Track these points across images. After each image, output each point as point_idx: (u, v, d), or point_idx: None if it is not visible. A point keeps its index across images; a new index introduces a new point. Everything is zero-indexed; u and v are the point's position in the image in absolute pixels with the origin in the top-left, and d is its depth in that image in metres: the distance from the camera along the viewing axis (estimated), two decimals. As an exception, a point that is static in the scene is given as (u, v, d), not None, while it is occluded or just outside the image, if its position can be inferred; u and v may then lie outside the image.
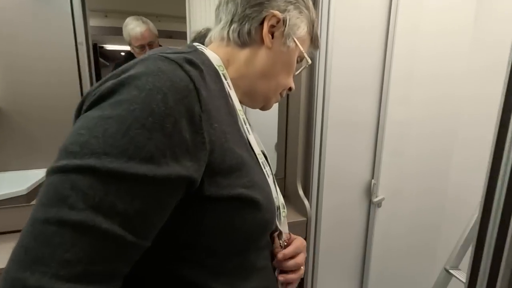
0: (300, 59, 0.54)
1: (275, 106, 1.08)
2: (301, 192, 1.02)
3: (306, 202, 0.99)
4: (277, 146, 1.15)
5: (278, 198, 0.49)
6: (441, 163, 1.35)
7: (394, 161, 1.24)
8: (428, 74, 1.18)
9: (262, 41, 0.47)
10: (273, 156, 1.16)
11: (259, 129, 0.66)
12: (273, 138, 1.18)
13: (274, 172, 0.54)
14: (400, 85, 1.13)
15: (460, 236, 1.04)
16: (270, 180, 0.48)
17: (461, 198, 1.35)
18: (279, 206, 0.49)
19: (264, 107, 0.55)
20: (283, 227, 0.51)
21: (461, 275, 1.01)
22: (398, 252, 1.41)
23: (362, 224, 1.24)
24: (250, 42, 0.47)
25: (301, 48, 0.50)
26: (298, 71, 0.58)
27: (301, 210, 1.02)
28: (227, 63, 0.47)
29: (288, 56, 0.50)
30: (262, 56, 0.48)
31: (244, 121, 0.47)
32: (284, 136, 1.11)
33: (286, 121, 1.09)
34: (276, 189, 0.52)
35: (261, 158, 0.48)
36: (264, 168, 0.48)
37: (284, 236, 0.52)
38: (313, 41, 0.54)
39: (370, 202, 1.22)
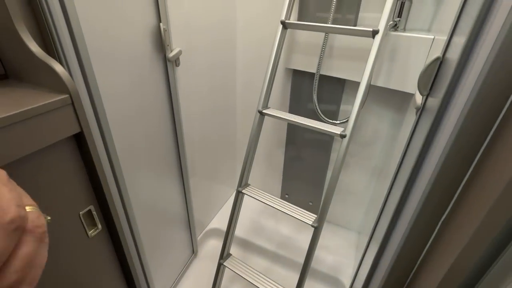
0: None
1: None
2: (49, 61, 0.50)
3: (62, 72, 0.50)
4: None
5: None
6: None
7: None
8: None
9: None
10: None
11: None
12: None
13: None
14: None
15: (262, 84, 0.98)
16: None
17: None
18: None
19: None
20: None
21: (272, 111, 0.99)
22: (207, 109, 1.29)
23: (162, 92, 0.94)
24: None
25: None
26: None
27: (54, 84, 0.55)
28: None
29: None
30: None
31: None
32: None
33: None
34: None
35: None
36: None
37: None
38: None
39: (165, 59, 0.90)
